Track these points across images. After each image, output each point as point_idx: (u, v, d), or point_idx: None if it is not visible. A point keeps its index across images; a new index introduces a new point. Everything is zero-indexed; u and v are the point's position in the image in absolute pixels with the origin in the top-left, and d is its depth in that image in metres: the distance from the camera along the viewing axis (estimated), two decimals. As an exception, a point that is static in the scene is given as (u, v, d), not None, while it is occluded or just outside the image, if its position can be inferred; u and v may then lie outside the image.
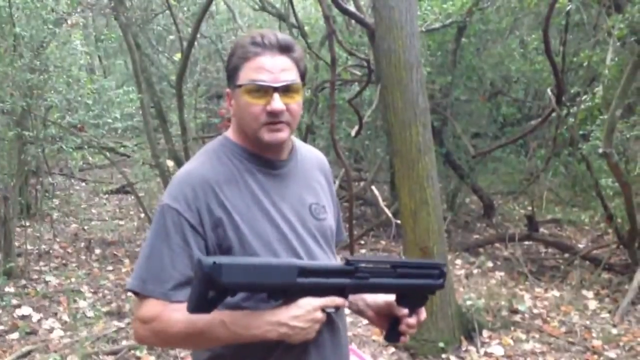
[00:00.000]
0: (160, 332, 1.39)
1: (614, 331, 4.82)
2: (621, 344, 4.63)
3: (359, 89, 6.66)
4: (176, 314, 1.35)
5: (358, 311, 1.63)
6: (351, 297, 1.49)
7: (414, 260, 1.57)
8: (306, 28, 8.25)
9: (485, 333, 4.68)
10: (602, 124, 5.43)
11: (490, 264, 6.51)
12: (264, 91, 1.42)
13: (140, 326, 1.42)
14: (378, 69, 4.98)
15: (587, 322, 5.02)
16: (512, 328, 4.86)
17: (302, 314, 1.33)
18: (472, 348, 4.49)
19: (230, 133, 1.56)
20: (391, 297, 1.54)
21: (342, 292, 1.40)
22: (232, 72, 1.49)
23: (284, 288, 1.34)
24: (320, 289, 1.37)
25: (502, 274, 6.26)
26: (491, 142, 8.27)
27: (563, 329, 4.91)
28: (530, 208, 7.34)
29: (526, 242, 7.16)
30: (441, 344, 4.38)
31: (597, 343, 4.64)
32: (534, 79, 8.31)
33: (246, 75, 1.44)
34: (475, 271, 6.28)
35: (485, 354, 4.44)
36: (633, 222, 5.46)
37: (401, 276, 1.48)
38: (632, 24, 5.38)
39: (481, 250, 7.10)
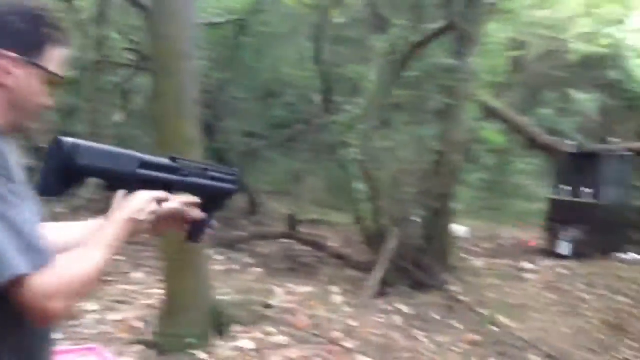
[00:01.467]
0: (70, 288, 1.28)
1: (353, 323, 5.28)
2: (358, 335, 5.08)
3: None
4: (64, 262, 1.28)
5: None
6: None
7: (216, 165, 1.64)
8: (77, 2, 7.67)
9: (237, 328, 4.78)
10: (358, 133, 5.93)
11: (250, 260, 6.69)
12: (54, 87, 1.38)
13: (48, 302, 1.25)
14: (151, 56, 4.82)
15: (331, 316, 5.42)
16: (263, 323, 5.04)
17: (143, 205, 1.39)
18: (222, 343, 4.55)
19: None
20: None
21: (169, 188, 1.47)
22: (33, 41, 1.33)
23: (125, 177, 1.38)
24: (153, 183, 1.43)
25: (260, 270, 6.48)
26: (262, 142, 8.54)
27: (309, 323, 5.23)
28: (292, 208, 7.73)
29: (286, 240, 7.51)
30: (191, 340, 4.36)
31: (338, 335, 5.03)
32: (306, 85, 8.75)
33: (51, 61, 1.35)
34: (234, 267, 6.41)
35: (235, 348, 4.54)
36: (378, 225, 6.04)
37: (211, 178, 1.58)
38: (393, 44, 5.97)
39: (243, 246, 7.27)
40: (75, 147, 1.27)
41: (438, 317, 5.81)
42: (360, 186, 6.38)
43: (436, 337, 5.35)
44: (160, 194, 1.44)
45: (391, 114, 6.51)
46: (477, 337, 5.46)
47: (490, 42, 7.96)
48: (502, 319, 5.94)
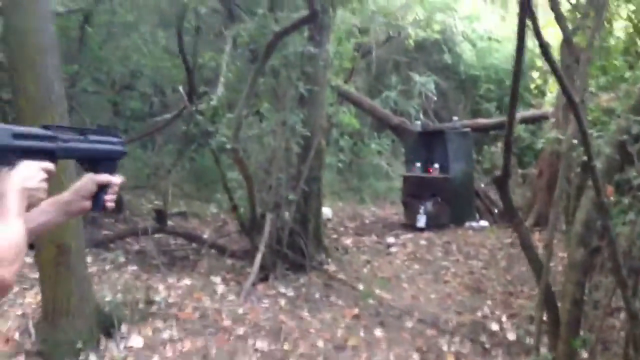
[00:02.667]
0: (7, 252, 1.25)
1: (240, 311, 5.32)
2: (247, 321, 5.14)
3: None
4: None
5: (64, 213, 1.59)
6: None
7: (94, 129, 1.60)
8: None
9: (124, 328, 4.62)
10: (228, 122, 5.92)
11: (122, 259, 6.44)
12: None
13: None
14: (8, 50, 4.45)
15: (217, 305, 5.42)
16: (150, 319, 4.92)
17: (31, 174, 1.36)
18: (111, 344, 4.39)
19: None
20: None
21: (52, 156, 1.43)
22: None
23: (2, 149, 1.33)
24: (33, 152, 1.38)
25: (135, 267, 6.27)
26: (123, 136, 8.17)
27: (197, 314, 5.19)
28: (158, 202, 7.53)
29: (156, 235, 7.30)
30: (79, 345, 4.17)
31: (227, 323, 5.05)
32: (161, 75, 8.51)
33: None
34: (107, 267, 6.13)
35: (126, 348, 4.40)
36: (253, 212, 6.10)
37: (92, 142, 1.54)
38: (251, 34, 6.02)
39: (112, 245, 6.96)
40: None
41: (319, 296, 6.03)
42: (232, 175, 6.39)
43: (321, 315, 5.57)
44: (45, 163, 1.41)
45: (257, 102, 6.57)
46: (357, 311, 5.75)
47: (338, 29, 8.31)
48: (377, 291, 6.31)
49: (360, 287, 6.36)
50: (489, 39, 14.58)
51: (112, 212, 8.11)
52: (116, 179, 1.60)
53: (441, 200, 9.19)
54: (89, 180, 1.57)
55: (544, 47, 2.79)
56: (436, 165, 9.48)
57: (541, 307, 3.80)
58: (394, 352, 5.07)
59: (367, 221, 9.77)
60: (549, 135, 4.17)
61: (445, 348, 5.33)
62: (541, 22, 9.41)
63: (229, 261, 6.57)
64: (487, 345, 5.50)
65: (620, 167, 3.46)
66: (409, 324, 5.69)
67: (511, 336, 5.79)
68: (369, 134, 12.98)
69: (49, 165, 1.42)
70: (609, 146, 3.35)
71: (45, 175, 1.41)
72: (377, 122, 12.74)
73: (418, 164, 9.69)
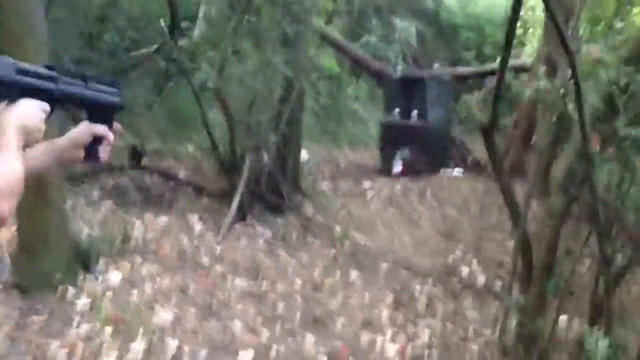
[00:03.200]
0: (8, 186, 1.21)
1: (218, 249, 5.35)
2: (225, 260, 5.18)
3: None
4: None
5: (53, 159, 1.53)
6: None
7: (95, 75, 1.55)
8: None
9: (102, 262, 4.60)
10: (210, 60, 5.79)
11: (98, 194, 6.36)
12: None
13: None
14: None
15: (195, 243, 5.43)
16: (128, 255, 4.91)
17: (31, 112, 1.31)
18: (90, 277, 4.37)
19: None
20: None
21: (51, 97, 1.37)
22: None
23: (5, 83, 1.27)
24: (34, 91, 1.33)
25: (111, 203, 6.20)
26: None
27: (175, 252, 5.19)
28: (133, 139, 7.37)
29: (131, 172, 7.20)
30: (57, 277, 4.14)
31: (205, 261, 5.08)
32: (140, 7, 8.24)
33: None
34: (84, 201, 6.06)
35: (104, 282, 4.39)
36: (233, 152, 6.05)
37: (93, 90, 1.48)
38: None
39: (87, 180, 6.85)
40: None
41: (296, 237, 6.09)
42: (211, 114, 6.30)
43: (298, 255, 5.64)
44: (43, 103, 1.35)
45: (240, 41, 6.41)
46: (334, 252, 5.84)
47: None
48: (353, 234, 6.39)
49: (337, 229, 6.43)
50: (472, -15, 14.41)
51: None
52: (112, 132, 1.52)
53: (418, 147, 9.22)
54: (86, 129, 1.50)
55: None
56: (414, 112, 9.47)
57: (516, 251, 3.89)
58: (369, 293, 5.19)
59: (342, 165, 9.79)
60: (537, 84, 4.17)
61: (418, 290, 5.47)
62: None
63: (206, 200, 6.55)
64: (457, 288, 5.66)
65: (606, 118, 3.50)
66: (384, 266, 5.80)
67: (481, 280, 5.97)
68: (347, 78, 12.83)
69: (45, 105, 1.37)
70: (597, 97, 3.38)
71: (44, 116, 1.36)
72: (355, 67, 12.60)
73: (396, 110, 9.67)
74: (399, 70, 10.42)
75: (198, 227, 5.84)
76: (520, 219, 3.87)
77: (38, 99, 1.33)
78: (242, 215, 6.17)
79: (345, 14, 13.33)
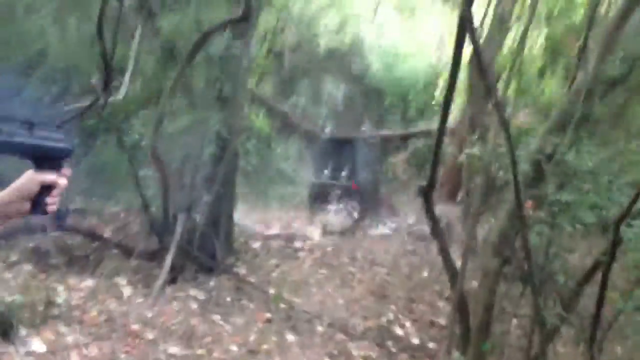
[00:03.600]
0: None
1: (150, 314, 5.13)
2: (157, 325, 4.96)
3: None
4: None
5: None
6: None
7: (41, 120, 1.44)
8: None
9: (24, 331, 4.31)
10: (144, 118, 5.71)
11: (17, 257, 6.01)
12: None
13: None
14: None
15: (125, 308, 5.19)
16: (52, 322, 4.62)
17: None
18: (10, 348, 4.08)
19: None
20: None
21: None
22: None
23: None
24: None
25: (31, 266, 5.87)
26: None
27: (103, 318, 4.94)
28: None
29: (55, 233, 6.87)
30: (-26, 349, 3.85)
31: (136, 327, 4.85)
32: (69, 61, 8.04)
33: None
34: (1, 265, 5.71)
35: (27, 353, 4.10)
36: (166, 211, 5.91)
37: (39, 137, 1.39)
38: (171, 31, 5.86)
39: (4, 242, 6.47)
40: None
41: (230, 300, 5.94)
42: (143, 173, 6.16)
43: (232, 319, 5.48)
44: None
45: (177, 100, 6.37)
46: (269, 315, 5.73)
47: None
48: (287, 295, 6.31)
49: (271, 291, 6.33)
50: (395, 54, 15.05)
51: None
52: (62, 180, 1.44)
53: (347, 207, 9.35)
54: (32, 179, 1.40)
55: (482, 66, 2.92)
56: (344, 173, 9.65)
57: (454, 311, 3.95)
58: (306, 356, 5.10)
59: (271, 225, 9.74)
60: (467, 150, 4.37)
61: (354, 352, 5.43)
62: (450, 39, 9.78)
63: (134, 262, 6.31)
64: (393, 350, 5.66)
65: (534, 183, 3.68)
66: (320, 328, 5.74)
67: (415, 340, 6.01)
68: (275, 138, 12.97)
69: None
70: (527, 163, 3.56)
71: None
72: (284, 127, 12.76)
73: (326, 171, 9.82)
74: (328, 131, 10.63)
75: (127, 290, 5.60)
76: (457, 280, 3.95)
77: None
78: (173, 277, 5.98)
79: (274, 75, 13.58)
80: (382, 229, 9.57)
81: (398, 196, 12.15)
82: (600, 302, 3.05)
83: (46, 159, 1.41)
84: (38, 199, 1.40)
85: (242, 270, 6.75)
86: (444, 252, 4.03)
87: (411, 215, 10.82)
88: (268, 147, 12.76)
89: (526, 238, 3.21)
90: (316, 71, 13.98)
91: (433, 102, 13.18)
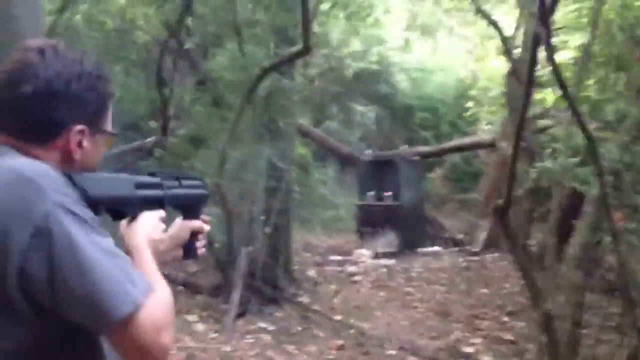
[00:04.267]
0: (171, 314, 1.20)
1: (228, 348, 5.19)
2: (236, 359, 5.02)
3: None
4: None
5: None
6: None
7: (179, 172, 1.55)
8: None
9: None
10: (202, 156, 5.84)
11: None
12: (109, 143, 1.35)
13: (160, 335, 1.13)
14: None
15: (202, 345, 5.25)
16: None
17: (155, 224, 1.34)
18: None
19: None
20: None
21: (160, 203, 1.40)
22: (98, 108, 1.28)
23: (128, 201, 1.31)
24: (149, 202, 1.37)
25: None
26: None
27: (184, 355, 5.01)
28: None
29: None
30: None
31: (217, 362, 4.92)
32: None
33: (108, 120, 1.31)
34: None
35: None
36: (231, 247, 6.01)
37: (186, 187, 1.51)
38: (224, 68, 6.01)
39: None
40: (85, 180, 1.20)
41: (300, 329, 5.98)
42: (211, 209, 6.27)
43: (306, 348, 5.52)
44: (161, 212, 1.39)
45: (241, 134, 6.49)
46: (340, 342, 5.75)
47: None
48: (353, 321, 6.33)
49: (336, 317, 6.36)
50: (422, 70, 15.17)
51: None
52: (205, 225, 1.54)
53: (395, 228, 9.38)
54: (184, 226, 1.49)
55: (560, 79, 2.97)
56: (388, 194, 9.68)
57: (542, 329, 3.95)
58: (384, 381, 5.11)
59: (320, 251, 9.80)
60: (540, 165, 4.38)
61: (431, 374, 5.42)
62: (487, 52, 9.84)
63: (200, 298, 6.40)
64: (468, 369, 5.63)
65: (615, 194, 3.69)
66: (392, 351, 5.74)
67: (486, 358, 5.96)
68: (312, 163, 13.09)
69: (163, 214, 1.39)
70: (607, 174, 3.58)
71: (164, 226, 1.37)
72: (319, 152, 12.88)
73: (371, 193, 9.86)
74: (369, 153, 10.71)
75: (199, 327, 5.67)
76: (540, 299, 3.95)
77: (152, 208, 1.35)
78: (241, 311, 6.04)
79: (307, 102, 13.76)
80: (431, 247, 9.57)
81: (440, 212, 12.17)
82: None
83: (191, 207, 1.51)
84: (189, 246, 1.48)
85: (304, 299, 6.80)
86: (525, 270, 4.04)
87: (456, 231, 10.83)
88: (305, 172, 12.89)
89: (620, 250, 3.23)
90: (346, 95, 14.14)
91: (465, 115, 13.20)
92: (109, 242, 1.13)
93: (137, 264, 1.23)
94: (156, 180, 1.40)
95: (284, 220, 6.88)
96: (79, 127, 1.22)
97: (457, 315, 6.92)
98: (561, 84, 2.90)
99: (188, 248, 1.47)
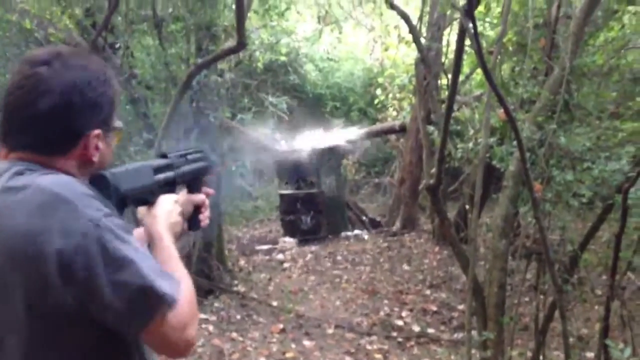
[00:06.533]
0: (195, 310, 1.27)
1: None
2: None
3: None
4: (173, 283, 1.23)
5: None
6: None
7: (186, 149, 1.66)
8: None
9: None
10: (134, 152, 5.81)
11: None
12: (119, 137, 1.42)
13: (186, 331, 1.21)
14: None
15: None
16: None
17: (172, 207, 1.41)
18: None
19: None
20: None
21: (172, 183, 1.48)
22: (109, 110, 1.33)
23: (149, 188, 1.38)
24: (164, 185, 1.44)
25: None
26: None
27: None
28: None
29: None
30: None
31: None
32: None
33: (114, 116, 1.36)
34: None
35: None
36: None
37: (193, 161, 1.58)
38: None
39: None
40: (116, 176, 1.27)
41: (240, 317, 6.14)
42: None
43: (250, 334, 5.69)
44: (175, 195, 1.46)
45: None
46: (281, 326, 5.97)
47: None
48: (289, 305, 6.57)
49: (274, 303, 6.56)
50: (329, 59, 15.51)
51: None
52: (207, 201, 1.60)
53: (317, 214, 9.66)
54: (187, 200, 1.55)
55: (486, 71, 3.31)
56: (309, 181, 9.95)
57: (470, 294, 4.35)
58: (328, 358, 5.38)
59: (245, 242, 9.94)
60: (465, 146, 4.79)
61: (368, 347, 5.76)
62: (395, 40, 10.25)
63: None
64: (400, 340, 6.02)
65: (530, 168, 4.13)
66: (330, 330, 6.03)
67: (416, 328, 6.39)
68: (229, 155, 13.11)
69: (176, 196, 1.46)
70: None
71: (180, 209, 1.45)
72: (236, 144, 12.90)
73: (291, 182, 10.08)
74: (283, 143, 10.89)
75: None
76: (470, 267, 4.35)
77: (166, 189, 1.43)
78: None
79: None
80: (353, 231, 9.95)
81: (356, 196, 12.61)
82: (615, 262, 3.51)
83: (196, 181, 1.59)
84: (193, 218, 1.57)
85: (240, 288, 6.95)
86: (454, 242, 4.43)
87: (374, 213, 11.29)
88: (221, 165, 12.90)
89: (539, 218, 3.65)
90: (255, 86, 14.22)
91: (375, 102, 13.66)
92: (138, 243, 1.19)
93: (158, 249, 1.33)
94: (169, 161, 1.47)
95: (214, 212, 6.96)
96: (96, 132, 1.27)
97: (385, 292, 7.32)
98: (484, 69, 3.25)
99: (192, 220, 1.56)
